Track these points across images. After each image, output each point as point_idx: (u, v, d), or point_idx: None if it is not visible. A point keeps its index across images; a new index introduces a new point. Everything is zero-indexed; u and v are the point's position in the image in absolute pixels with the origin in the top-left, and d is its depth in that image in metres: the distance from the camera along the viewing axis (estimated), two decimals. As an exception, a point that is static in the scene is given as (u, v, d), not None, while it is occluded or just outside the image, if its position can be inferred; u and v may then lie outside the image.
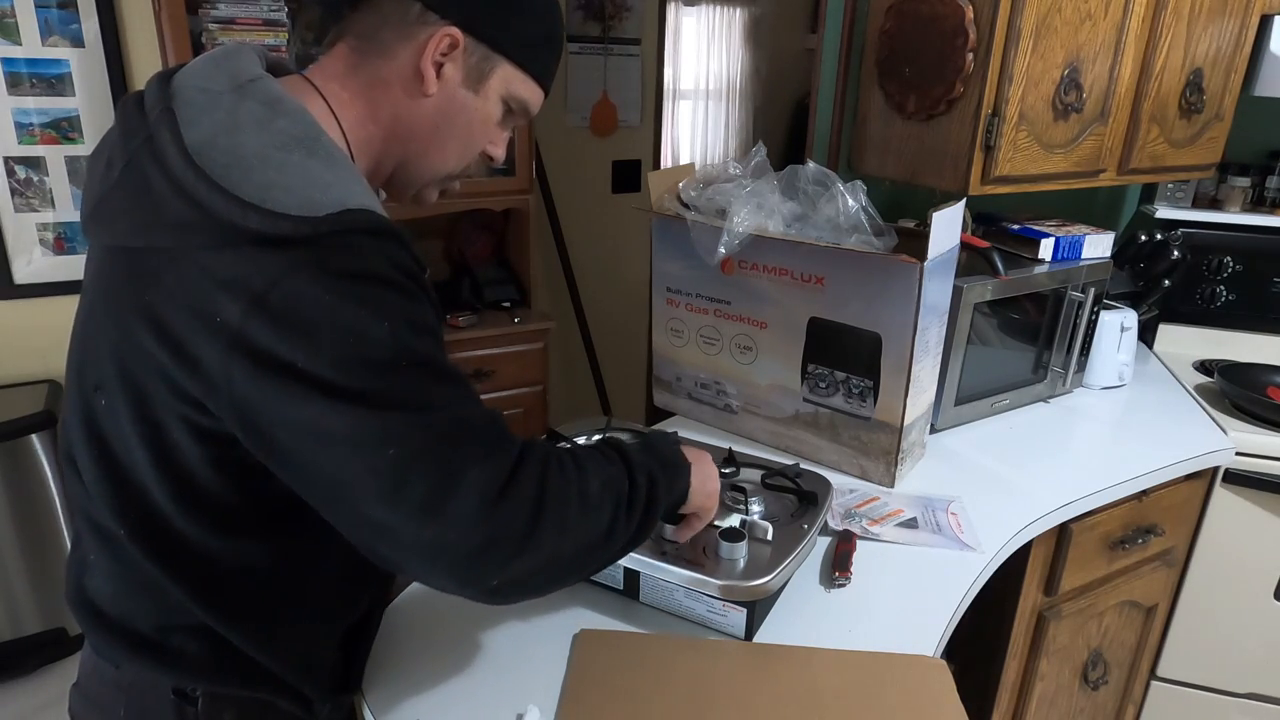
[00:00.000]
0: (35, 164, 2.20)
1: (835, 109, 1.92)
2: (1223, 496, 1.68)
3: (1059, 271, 1.64)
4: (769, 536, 1.03)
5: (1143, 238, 1.93)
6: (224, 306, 0.63)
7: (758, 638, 1.01)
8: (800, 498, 1.15)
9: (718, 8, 3.80)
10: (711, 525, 1.00)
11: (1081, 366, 1.80)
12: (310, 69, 0.79)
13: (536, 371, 2.64)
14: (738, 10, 3.86)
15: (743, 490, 1.12)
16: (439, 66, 0.77)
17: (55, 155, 2.21)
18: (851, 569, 1.13)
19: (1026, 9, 1.47)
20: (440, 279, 2.75)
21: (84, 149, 2.24)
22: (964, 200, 1.33)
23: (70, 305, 0.82)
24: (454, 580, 0.68)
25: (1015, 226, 1.71)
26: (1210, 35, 1.75)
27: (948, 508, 1.32)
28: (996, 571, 1.22)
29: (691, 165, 1.55)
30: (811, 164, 1.37)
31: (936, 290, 1.29)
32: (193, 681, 0.79)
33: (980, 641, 1.54)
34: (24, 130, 2.16)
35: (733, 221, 1.33)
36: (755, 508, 1.10)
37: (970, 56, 1.54)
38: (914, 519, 1.28)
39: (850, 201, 1.31)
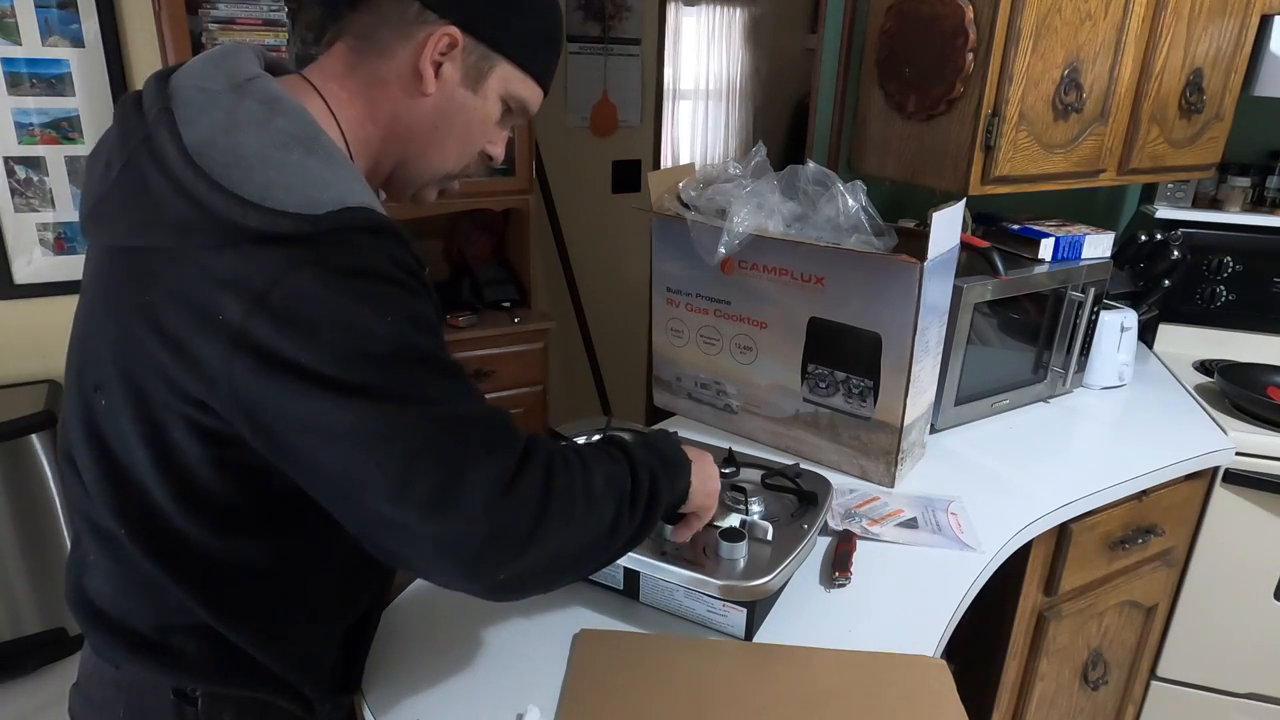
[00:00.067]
0: (35, 164, 2.20)
1: (835, 109, 1.92)
2: (1223, 496, 1.68)
3: (1059, 271, 1.64)
4: (769, 536, 1.03)
5: (1143, 238, 1.93)
6: (225, 305, 0.63)
7: (758, 638, 1.01)
8: (800, 498, 1.15)
9: (718, 8, 3.80)
10: (711, 525, 1.01)
11: (1081, 366, 1.80)
12: (309, 69, 0.79)
13: (536, 371, 2.64)
14: (738, 10, 3.86)
15: (743, 490, 1.12)
16: (438, 66, 0.77)
17: (55, 155, 2.21)
18: (851, 569, 1.13)
19: (1026, 9, 1.47)
20: (440, 279, 2.74)
21: (84, 149, 2.24)
22: (964, 200, 1.33)
23: (70, 305, 0.82)
24: (461, 575, 0.68)
25: (1015, 226, 1.71)
26: (1210, 35, 1.75)
27: (948, 508, 1.32)
28: (996, 571, 1.22)
29: (691, 165, 1.55)
30: (811, 164, 1.37)
31: (936, 290, 1.29)
32: (192, 681, 0.79)
33: (980, 641, 1.54)
34: (24, 130, 2.16)
35: (733, 221, 1.33)
36: (755, 508, 1.10)
37: (970, 56, 1.54)
38: (914, 519, 1.28)
39: (850, 201, 1.31)
